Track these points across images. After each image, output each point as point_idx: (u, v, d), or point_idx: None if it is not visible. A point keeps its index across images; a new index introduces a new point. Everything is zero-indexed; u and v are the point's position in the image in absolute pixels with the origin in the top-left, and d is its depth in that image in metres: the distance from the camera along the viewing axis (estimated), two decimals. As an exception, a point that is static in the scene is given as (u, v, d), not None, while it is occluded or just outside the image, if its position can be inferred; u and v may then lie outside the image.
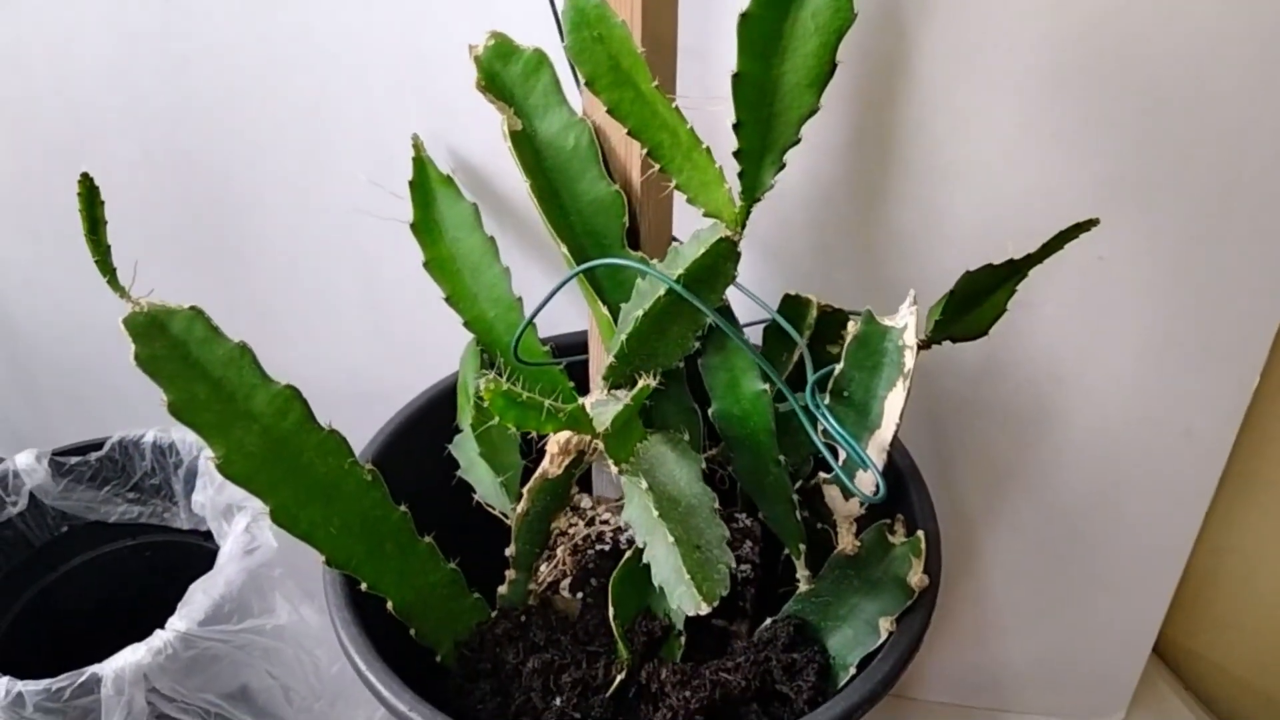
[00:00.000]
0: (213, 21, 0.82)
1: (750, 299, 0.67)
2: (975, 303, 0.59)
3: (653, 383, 0.52)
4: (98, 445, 0.93)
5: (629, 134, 0.52)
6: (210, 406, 0.54)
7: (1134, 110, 0.68)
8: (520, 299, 0.75)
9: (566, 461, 0.60)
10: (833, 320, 0.72)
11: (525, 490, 0.62)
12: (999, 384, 0.83)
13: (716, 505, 0.52)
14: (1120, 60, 0.67)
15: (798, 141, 0.53)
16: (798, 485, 0.64)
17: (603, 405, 0.49)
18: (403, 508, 0.61)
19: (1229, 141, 0.69)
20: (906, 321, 0.53)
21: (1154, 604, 0.96)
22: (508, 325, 0.77)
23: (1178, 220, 0.72)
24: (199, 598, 0.75)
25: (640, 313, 0.54)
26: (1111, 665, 1.02)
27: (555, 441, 0.58)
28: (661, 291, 0.53)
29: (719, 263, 0.53)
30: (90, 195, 0.51)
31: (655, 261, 0.57)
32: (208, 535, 0.89)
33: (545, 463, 0.61)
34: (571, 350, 0.79)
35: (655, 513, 0.46)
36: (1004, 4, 0.65)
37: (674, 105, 0.51)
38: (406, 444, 0.73)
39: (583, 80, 0.53)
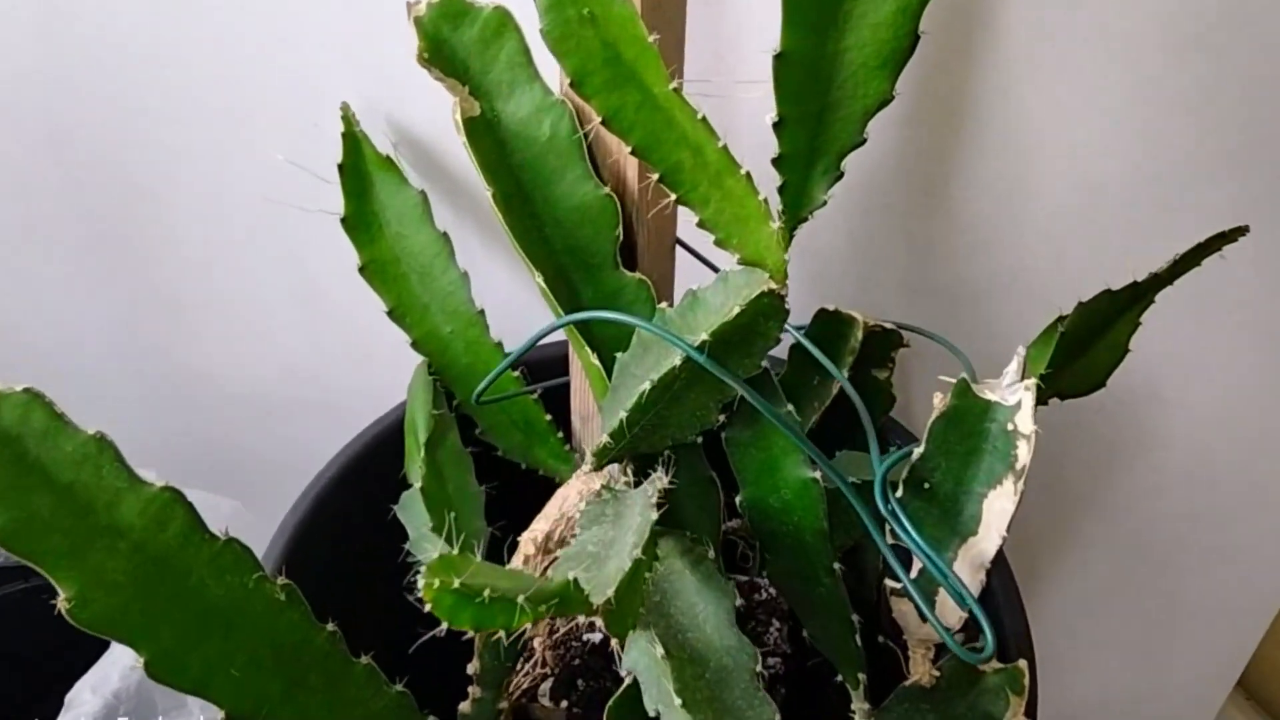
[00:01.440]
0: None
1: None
2: (1089, 342, 0.48)
3: (665, 482, 0.40)
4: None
5: (634, 153, 0.39)
6: (58, 524, 0.42)
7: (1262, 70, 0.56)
8: (482, 311, 0.64)
9: (546, 562, 0.48)
10: (882, 341, 0.60)
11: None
12: (1082, 407, 0.71)
13: (759, 667, 0.40)
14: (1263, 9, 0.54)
15: (862, 143, 0.41)
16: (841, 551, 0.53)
17: (597, 547, 0.37)
18: (330, 626, 0.50)
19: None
20: (1020, 399, 0.41)
21: (1245, 638, 0.88)
22: (466, 344, 0.66)
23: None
24: (87, 698, 0.64)
25: (647, 387, 0.42)
26: (1189, 698, 0.94)
27: (531, 542, 0.47)
28: (677, 361, 0.41)
29: (758, 323, 0.41)
30: None
31: (665, 308, 0.45)
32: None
33: (517, 561, 0.49)
34: (547, 369, 0.68)
35: (675, 696, 0.35)
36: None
37: (700, 116, 0.38)
38: (341, 506, 0.63)
39: (567, 79, 0.40)
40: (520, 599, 0.28)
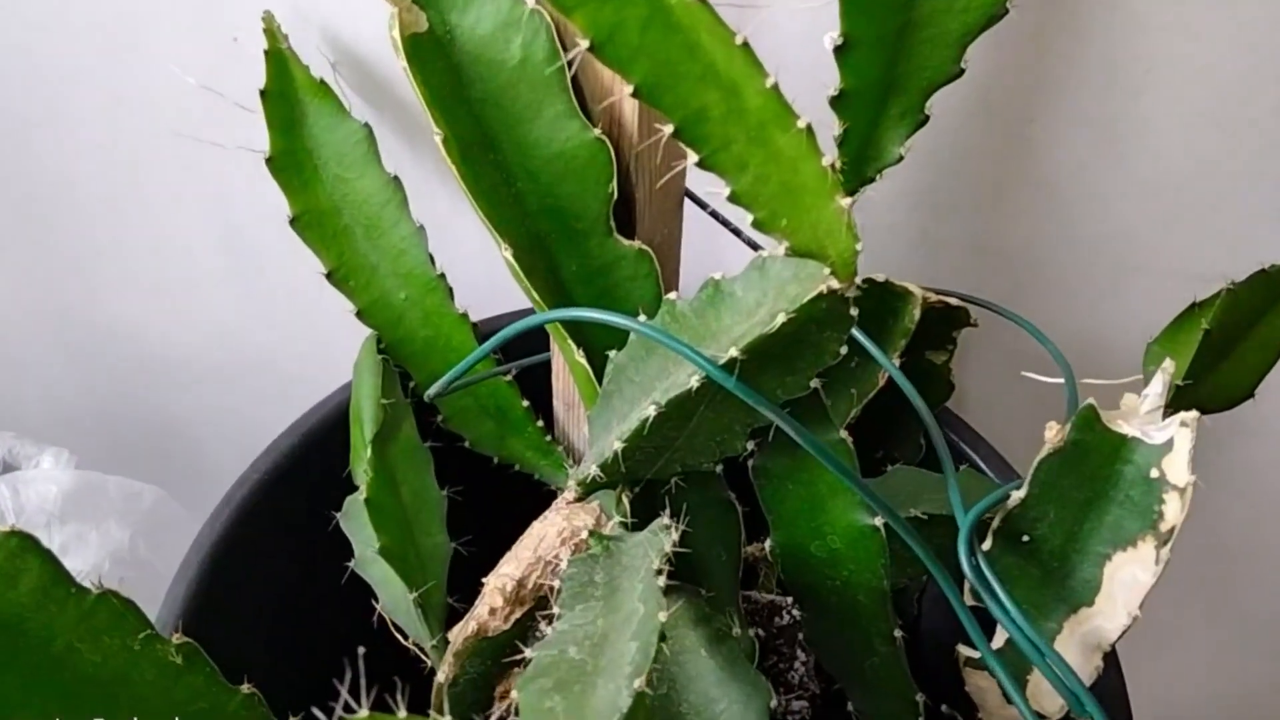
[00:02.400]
0: None
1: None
2: (1234, 341, 0.37)
3: (675, 538, 0.30)
4: None
5: (636, 94, 0.28)
6: None
7: None
8: (443, 274, 0.56)
9: (518, 615, 0.39)
10: (942, 319, 0.50)
11: (451, 652, 0.41)
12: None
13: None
14: None
15: (959, 74, 0.30)
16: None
17: (581, 653, 0.27)
18: (245, 688, 0.41)
19: None
20: (1173, 437, 0.31)
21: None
22: (425, 314, 0.58)
23: None
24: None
25: (651, 414, 0.31)
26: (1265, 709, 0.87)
27: (498, 592, 0.38)
28: (693, 383, 0.30)
29: (809, 333, 0.30)
30: None
31: (675, 299, 0.34)
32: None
33: (482, 611, 0.40)
34: (524, 342, 0.57)
35: None
36: None
37: (740, 39, 0.26)
38: (272, 514, 0.54)
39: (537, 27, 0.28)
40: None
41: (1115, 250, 0.54)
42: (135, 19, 0.61)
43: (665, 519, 0.33)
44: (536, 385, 0.57)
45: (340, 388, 0.59)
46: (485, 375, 0.56)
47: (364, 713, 0.21)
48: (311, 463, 0.56)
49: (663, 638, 0.33)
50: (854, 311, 0.30)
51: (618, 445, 0.33)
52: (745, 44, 0.27)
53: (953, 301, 0.48)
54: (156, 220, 0.73)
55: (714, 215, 0.48)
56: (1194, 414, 0.31)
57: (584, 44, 0.27)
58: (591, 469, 0.35)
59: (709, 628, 0.35)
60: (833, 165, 0.27)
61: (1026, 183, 0.54)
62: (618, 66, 0.27)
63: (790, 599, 0.52)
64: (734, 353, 0.29)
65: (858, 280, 0.35)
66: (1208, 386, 0.37)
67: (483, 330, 0.58)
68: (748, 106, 0.28)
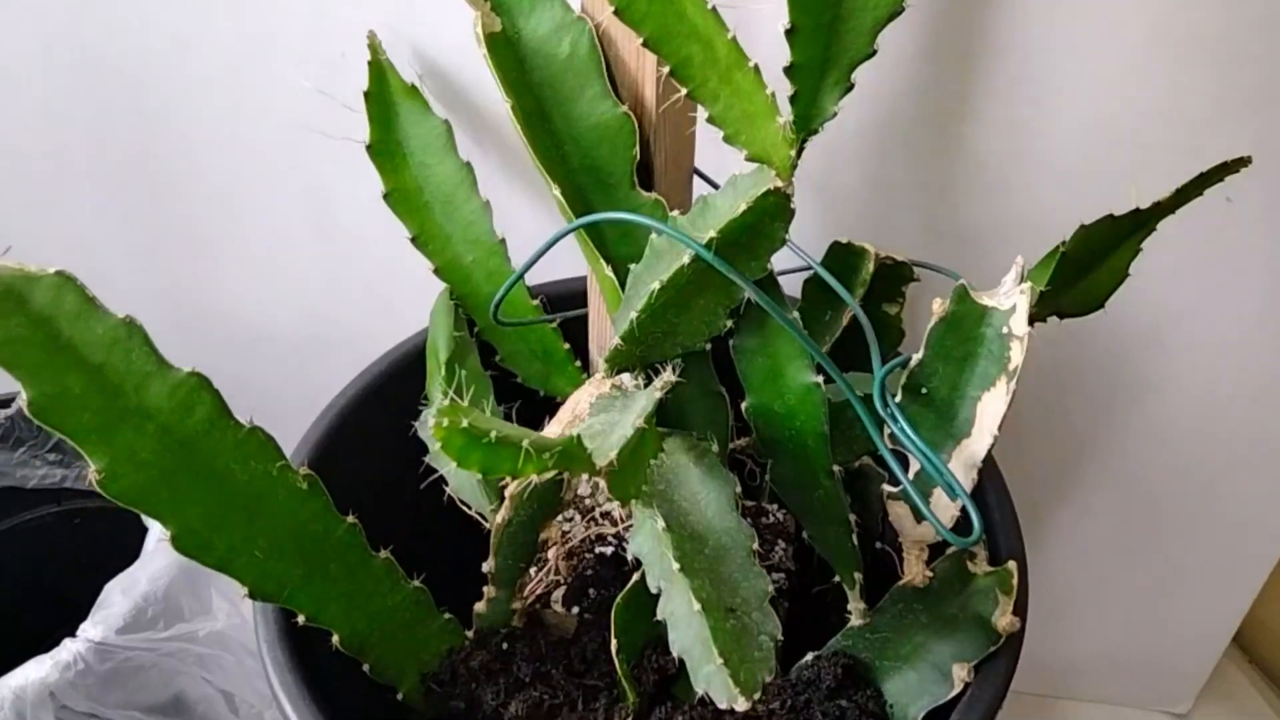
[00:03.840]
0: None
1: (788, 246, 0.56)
2: (1090, 266, 0.48)
3: (672, 378, 0.41)
4: (6, 402, 0.84)
5: (645, 44, 0.40)
6: (88, 403, 0.43)
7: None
8: (503, 240, 0.64)
9: (558, 463, 0.49)
10: (893, 274, 0.61)
11: (507, 495, 0.52)
12: (1086, 345, 0.72)
13: (755, 545, 0.42)
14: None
15: (873, 53, 0.41)
16: (843, 470, 0.53)
17: (603, 414, 0.38)
18: (350, 518, 0.51)
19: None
20: (1015, 303, 0.42)
21: (1242, 590, 0.88)
22: (488, 273, 0.67)
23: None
24: (116, 599, 0.66)
25: (656, 286, 0.43)
26: (1185, 653, 0.95)
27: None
28: (686, 260, 0.42)
29: (764, 223, 0.42)
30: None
31: (677, 215, 0.46)
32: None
33: (532, 463, 0.50)
34: (568, 301, 0.68)
35: (675, 564, 0.36)
36: None
37: (710, 6, 0.39)
38: (363, 422, 0.63)
39: (581, 33, 0.40)
40: (525, 443, 0.29)
41: (1031, 224, 0.65)
42: (260, 37, 0.71)
43: (668, 375, 0.44)
44: (576, 336, 0.66)
45: (419, 331, 0.68)
46: (535, 320, 0.67)
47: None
48: (398, 382, 0.65)
49: (662, 449, 0.44)
50: (793, 206, 0.42)
51: (634, 315, 0.44)
52: (714, 10, 0.39)
53: (899, 257, 0.58)
54: (262, 210, 0.81)
55: (712, 184, 0.59)
56: (1029, 284, 0.42)
57: (610, 9, 0.39)
58: (615, 341, 0.46)
59: (696, 450, 0.45)
60: (774, 94, 0.38)
61: (964, 173, 0.64)
62: (632, 25, 0.39)
63: (777, 505, 0.63)
64: (712, 234, 0.41)
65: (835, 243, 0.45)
66: (1067, 296, 0.48)
67: (530, 287, 0.70)
68: (718, 55, 0.40)
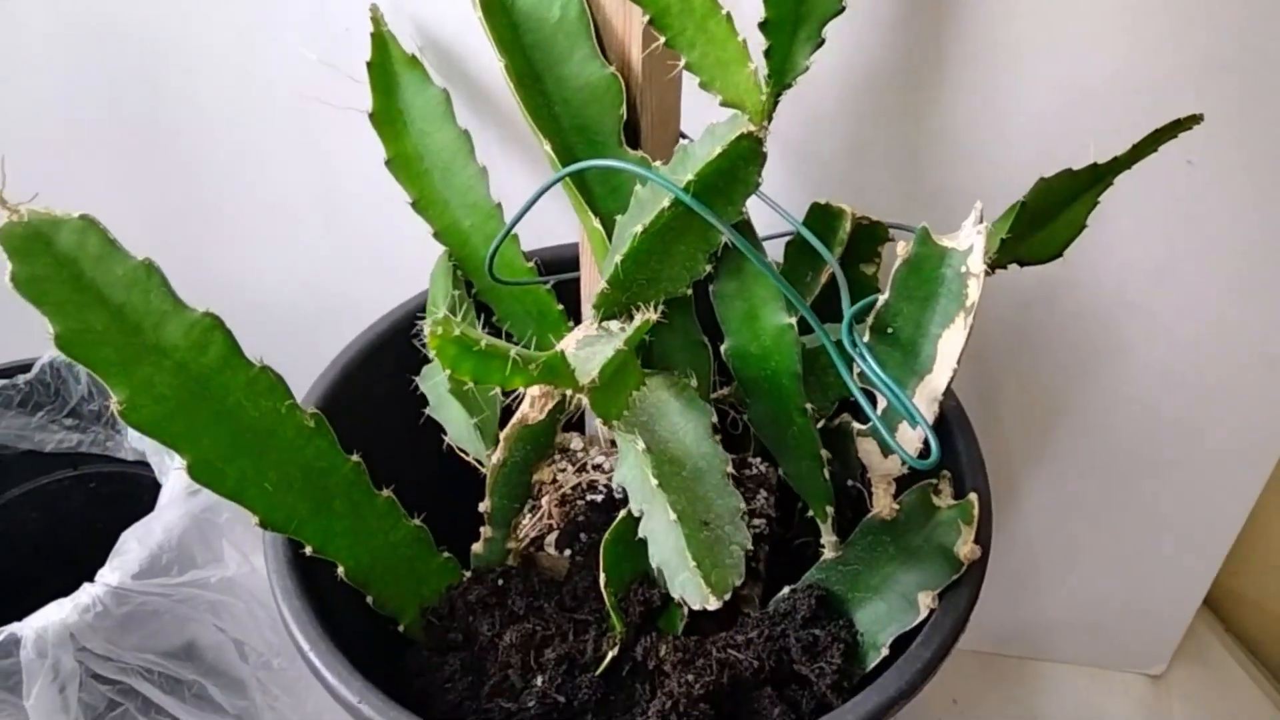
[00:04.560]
0: None
1: (770, 207, 0.58)
2: (1049, 217, 0.51)
3: (653, 316, 0.44)
4: (25, 367, 0.86)
5: (627, -2, 0.43)
6: (109, 339, 0.45)
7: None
8: (500, 205, 0.67)
9: (550, 405, 0.52)
10: (869, 235, 0.63)
11: (502, 437, 0.54)
12: (1055, 307, 0.74)
13: (730, 469, 0.44)
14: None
15: (841, 9, 0.44)
16: (821, 425, 0.56)
17: (589, 348, 0.41)
18: (354, 457, 0.54)
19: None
20: (973, 243, 0.44)
21: (1213, 550, 0.90)
22: (485, 236, 0.69)
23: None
24: (133, 547, 0.69)
25: (639, 229, 0.45)
26: (1159, 614, 0.97)
27: (536, 388, 0.51)
28: (665, 203, 0.44)
29: (739, 166, 0.44)
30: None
31: (659, 164, 0.48)
32: (159, 463, 0.82)
33: (525, 406, 0.53)
34: (562, 266, 0.71)
35: (654, 480, 0.39)
36: None
37: (684, -43, 0.41)
38: (366, 376, 0.66)
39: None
40: (512, 353, 0.31)
41: (1002, 187, 0.67)
42: (267, 11, 0.73)
43: (649, 313, 0.46)
44: (569, 298, 0.68)
45: (420, 293, 0.70)
46: (530, 281, 0.69)
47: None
48: (400, 338, 0.66)
49: (644, 383, 0.46)
50: (765, 150, 0.44)
51: (618, 260, 0.47)
52: (688, -38, 0.42)
53: (874, 217, 0.61)
54: (268, 182, 0.83)
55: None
56: (985, 225, 0.44)
57: None
58: (601, 285, 0.49)
59: (677, 386, 0.48)
60: (745, 41, 0.41)
61: (938, 138, 0.67)
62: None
63: (761, 459, 0.65)
64: (690, 177, 0.43)
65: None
66: (1027, 245, 0.50)
67: (526, 252, 0.72)
68: (694, 5, 0.42)
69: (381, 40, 0.66)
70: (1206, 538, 0.89)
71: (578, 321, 0.70)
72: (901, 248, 0.47)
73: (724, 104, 0.44)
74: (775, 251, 0.62)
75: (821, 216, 0.62)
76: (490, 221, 0.68)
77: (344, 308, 0.90)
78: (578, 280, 0.68)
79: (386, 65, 0.67)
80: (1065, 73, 0.63)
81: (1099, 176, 0.51)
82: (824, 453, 0.52)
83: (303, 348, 0.95)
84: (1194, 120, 0.51)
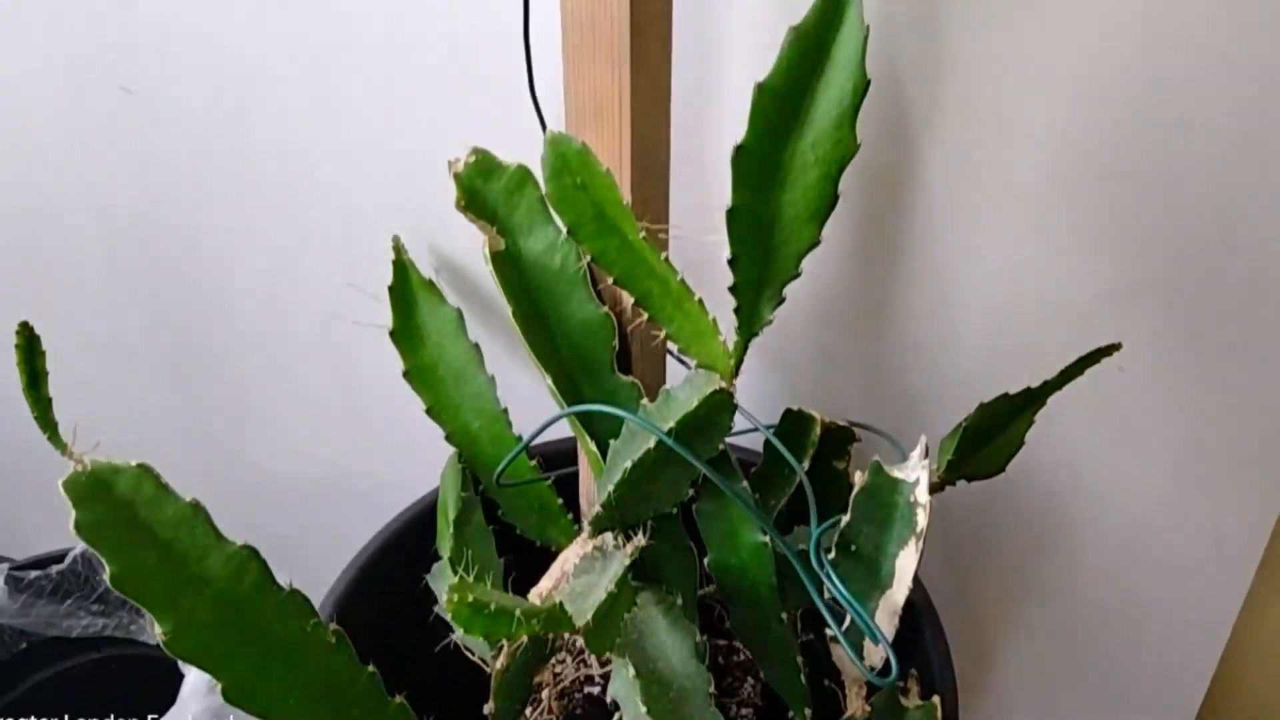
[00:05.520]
0: (180, 115, 0.79)
1: (746, 418, 0.64)
2: (990, 437, 0.56)
3: (642, 543, 0.48)
4: (59, 558, 0.90)
5: (615, 283, 0.49)
6: (158, 575, 0.49)
7: (1148, 214, 0.65)
8: (505, 409, 0.71)
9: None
10: (838, 436, 0.68)
11: (504, 644, 0.57)
12: (1015, 492, 0.79)
13: (712, 689, 0.48)
14: (1132, 166, 0.63)
15: (798, 275, 0.50)
16: (801, 613, 0.60)
17: (585, 576, 0.45)
18: (370, 668, 0.57)
19: (1249, 243, 0.65)
20: (919, 476, 0.49)
21: (1178, 716, 0.92)
22: (492, 437, 0.73)
23: (1200, 326, 0.69)
24: (159, 740, 0.71)
25: (629, 464, 0.50)
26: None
27: (537, 595, 0.54)
28: (651, 444, 0.49)
29: (714, 414, 0.50)
30: (30, 346, 0.47)
31: (646, 403, 0.53)
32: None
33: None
34: (561, 460, 0.75)
35: (643, 706, 0.42)
36: (1012, 118, 0.62)
37: (664, 256, 0.48)
38: (380, 576, 0.69)
39: (564, 228, 0.49)
40: (517, 612, 0.36)
41: (951, 387, 0.73)
42: (298, 232, 0.80)
43: (640, 538, 0.51)
44: (568, 490, 0.72)
45: (430, 491, 0.74)
46: (532, 480, 0.73)
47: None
48: (412, 537, 0.71)
49: (635, 604, 0.50)
50: (736, 400, 0.49)
51: (610, 488, 0.51)
52: (667, 258, 0.48)
53: (842, 422, 0.66)
54: (297, 381, 0.89)
55: (681, 361, 0.68)
56: (928, 460, 0.49)
57: (588, 258, 0.48)
58: (596, 508, 0.53)
59: (665, 604, 0.52)
60: (715, 319, 0.47)
61: (894, 347, 0.73)
62: (605, 269, 0.48)
63: (741, 646, 0.68)
64: (672, 424, 0.49)
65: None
66: (971, 463, 0.55)
67: (530, 453, 0.76)
68: (672, 289, 0.48)
69: (402, 267, 0.72)
70: (1167, 708, 0.90)
71: (575, 511, 0.74)
72: (858, 476, 0.52)
73: (699, 367, 0.50)
74: (755, 442, 0.66)
75: (795, 421, 0.67)
76: (496, 424, 0.72)
77: (362, 490, 0.95)
78: (575, 474, 0.73)
79: (406, 289, 0.72)
80: (999, 294, 0.69)
81: (1032, 398, 0.56)
82: (800, 659, 0.55)
83: (326, 527, 1.00)
84: (1113, 348, 0.57)
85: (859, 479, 0.51)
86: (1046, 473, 0.77)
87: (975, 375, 0.58)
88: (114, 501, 0.49)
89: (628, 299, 0.59)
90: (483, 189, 0.60)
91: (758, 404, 0.67)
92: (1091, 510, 0.78)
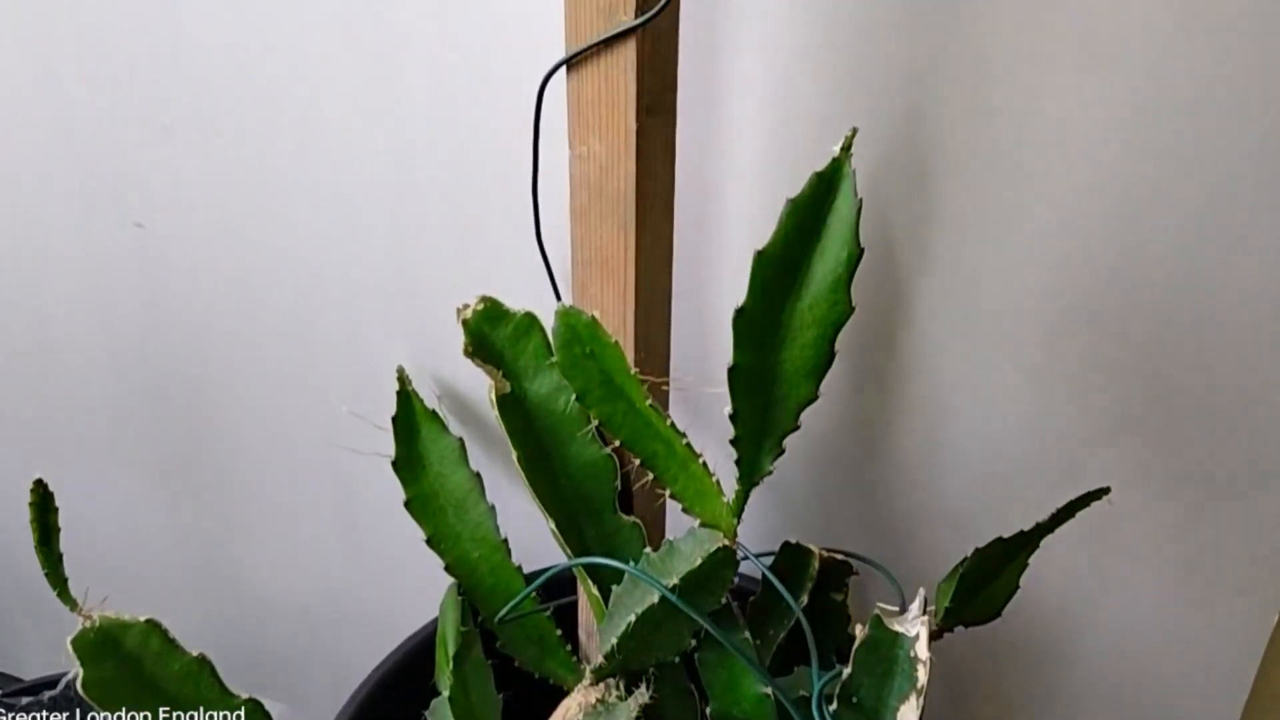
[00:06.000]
0: (187, 238, 0.81)
1: (746, 555, 0.64)
2: (987, 581, 0.56)
3: (645, 699, 0.48)
4: (52, 683, 0.88)
5: (621, 446, 0.50)
6: (163, 729, 0.49)
7: (1133, 354, 0.67)
8: (505, 539, 0.71)
9: (552, 763, 0.55)
10: (836, 569, 0.68)
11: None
12: (1011, 619, 0.79)
13: None
14: (1119, 308, 0.65)
15: (797, 428, 0.51)
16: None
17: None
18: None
19: (1235, 381, 0.67)
20: (918, 631, 0.49)
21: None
22: (492, 567, 0.73)
23: (1186, 458, 0.70)
24: None
25: (633, 619, 0.50)
26: None
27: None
28: (655, 599, 0.49)
29: (716, 570, 0.50)
30: (43, 504, 0.47)
31: (649, 552, 0.54)
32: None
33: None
34: (559, 589, 0.75)
35: None
36: (996, 273, 0.65)
37: (669, 421, 0.49)
38: (378, 713, 0.68)
39: (573, 394, 0.50)
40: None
41: (946, 516, 0.74)
42: (303, 359, 0.81)
43: (643, 692, 0.51)
44: (567, 619, 0.71)
45: (429, 621, 0.74)
46: (531, 612, 0.73)
47: None
48: (411, 670, 0.70)
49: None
50: (739, 556, 0.50)
51: (614, 640, 0.51)
52: (672, 423, 0.49)
53: (839, 555, 0.66)
54: (296, 505, 0.89)
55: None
56: (928, 616, 0.49)
57: (596, 422, 0.49)
58: (599, 659, 0.53)
59: (670, 756, 0.51)
60: (719, 481, 0.48)
61: (889, 478, 0.74)
62: (611, 431, 0.49)
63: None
64: (675, 580, 0.49)
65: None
66: (968, 609, 0.55)
67: (529, 579, 0.76)
68: (676, 451, 0.49)
69: (406, 397, 0.72)
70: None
71: (574, 644, 0.73)
72: (859, 630, 0.52)
73: (702, 525, 0.51)
74: (756, 568, 0.66)
75: (793, 555, 0.67)
76: (496, 554, 0.72)
77: (359, 614, 0.95)
78: (574, 603, 0.73)
79: (409, 419, 0.72)
80: (988, 428, 0.70)
81: (1025, 541, 0.57)
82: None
83: (322, 649, 0.99)
84: (1102, 492, 0.58)
85: (860, 632, 0.51)
86: (1041, 602, 0.77)
87: (968, 506, 0.59)
88: (122, 658, 0.49)
89: (629, 442, 0.60)
90: (490, 334, 0.61)
91: (757, 524, 0.68)
92: (1086, 638, 0.78)
